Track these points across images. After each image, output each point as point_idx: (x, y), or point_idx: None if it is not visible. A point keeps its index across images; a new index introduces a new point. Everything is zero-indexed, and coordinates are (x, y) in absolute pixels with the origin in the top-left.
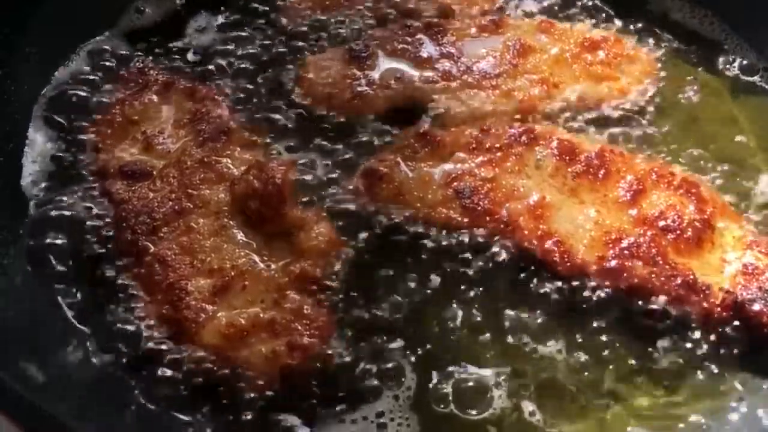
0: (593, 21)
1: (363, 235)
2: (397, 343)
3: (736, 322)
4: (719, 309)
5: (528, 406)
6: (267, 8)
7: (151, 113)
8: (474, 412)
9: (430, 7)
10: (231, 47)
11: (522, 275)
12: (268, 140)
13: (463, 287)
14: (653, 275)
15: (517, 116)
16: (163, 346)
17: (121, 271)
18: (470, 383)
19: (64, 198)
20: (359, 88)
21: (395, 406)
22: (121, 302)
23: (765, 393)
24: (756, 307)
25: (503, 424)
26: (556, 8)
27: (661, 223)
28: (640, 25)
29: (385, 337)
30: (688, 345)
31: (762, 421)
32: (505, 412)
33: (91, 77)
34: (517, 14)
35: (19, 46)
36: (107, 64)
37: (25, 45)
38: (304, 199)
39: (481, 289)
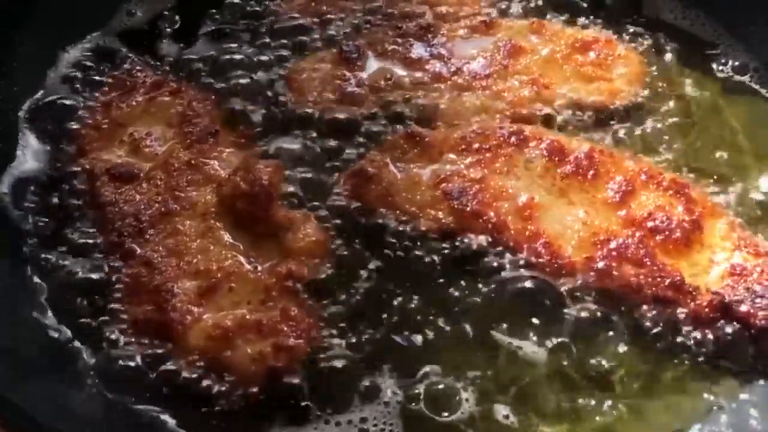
0: (585, 22)
1: (351, 236)
2: (384, 346)
3: (724, 323)
4: (707, 310)
5: (502, 410)
6: (258, 9)
7: (139, 115)
8: (446, 414)
9: (421, 9)
10: (221, 49)
11: (508, 277)
12: (255, 141)
13: (450, 289)
14: (641, 276)
15: (507, 117)
16: (149, 348)
17: (107, 273)
18: (443, 386)
19: (54, 200)
20: (349, 89)
21: (379, 410)
22: (108, 304)
23: (754, 393)
24: (743, 308)
25: (478, 426)
26: (547, 9)
27: (650, 224)
28: (631, 26)
29: (370, 339)
30: (674, 346)
31: (750, 422)
32: (482, 414)
33: (81, 78)
34: (509, 14)
35: (11, 46)
36: (97, 65)
37: (17, 45)
38: (292, 200)
39: (467, 291)
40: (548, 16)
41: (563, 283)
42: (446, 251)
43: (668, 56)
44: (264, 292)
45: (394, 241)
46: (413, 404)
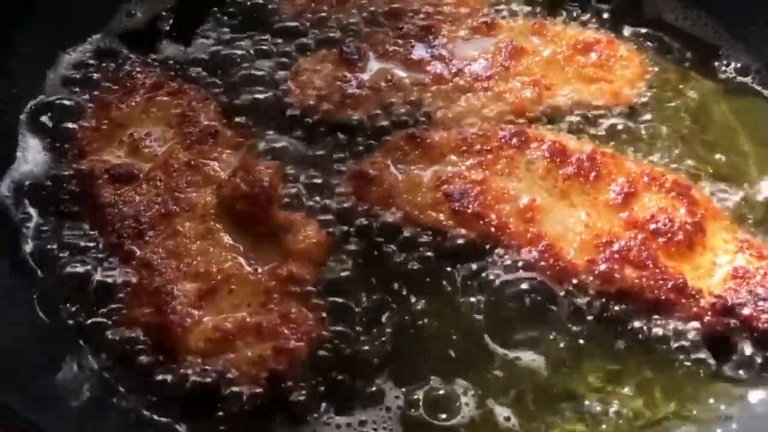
0: (586, 23)
1: (351, 237)
2: (384, 350)
3: (727, 326)
4: (710, 313)
5: (503, 412)
6: (258, 10)
7: (139, 116)
8: (444, 417)
9: (422, 9)
10: (221, 49)
11: (509, 279)
12: (256, 142)
13: (450, 291)
14: (643, 279)
15: (509, 118)
16: (149, 351)
17: (106, 275)
18: (443, 391)
19: (54, 201)
20: (350, 90)
21: (380, 415)
22: (107, 305)
23: (758, 398)
24: (746, 311)
25: (479, 429)
26: (548, 10)
27: (652, 226)
28: (633, 27)
29: (371, 342)
30: (676, 349)
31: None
32: (482, 417)
33: (81, 79)
34: (510, 15)
35: (11, 46)
36: (97, 66)
37: (17, 45)
38: (292, 202)
39: (468, 293)
40: (549, 17)
41: (564, 285)
42: (447, 253)
43: (670, 57)
44: (264, 294)
45: (394, 243)
46: (413, 410)
